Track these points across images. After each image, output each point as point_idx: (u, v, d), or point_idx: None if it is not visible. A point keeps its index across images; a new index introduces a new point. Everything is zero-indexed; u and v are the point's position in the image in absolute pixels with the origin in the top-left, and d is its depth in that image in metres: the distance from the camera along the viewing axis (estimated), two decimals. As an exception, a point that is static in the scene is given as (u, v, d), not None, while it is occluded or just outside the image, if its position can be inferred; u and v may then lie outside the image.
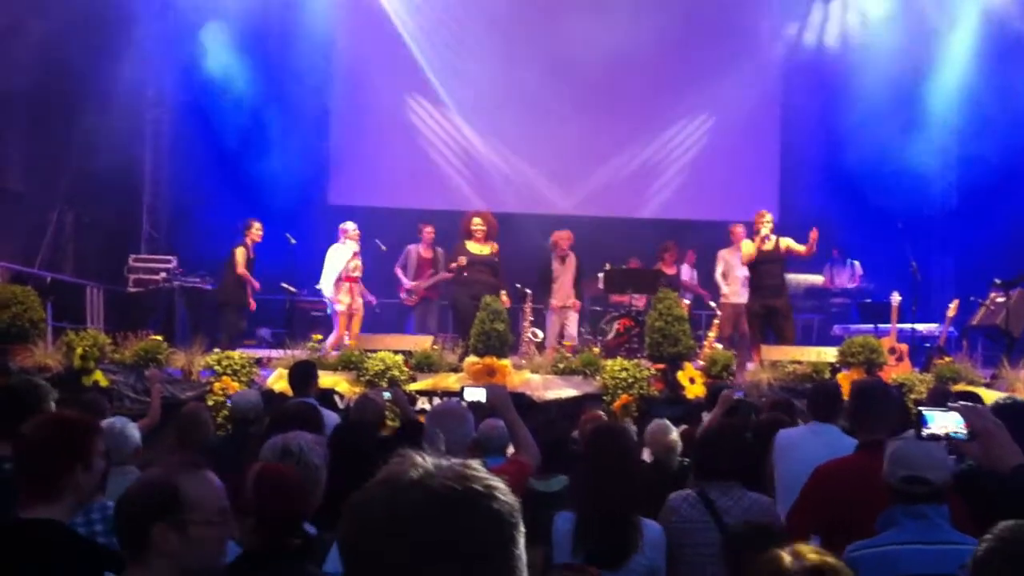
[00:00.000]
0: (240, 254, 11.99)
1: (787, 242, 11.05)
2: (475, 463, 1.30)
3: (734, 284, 12.16)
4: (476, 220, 11.53)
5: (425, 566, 1.20)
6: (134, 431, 4.86)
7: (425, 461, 1.27)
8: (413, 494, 1.23)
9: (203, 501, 2.51)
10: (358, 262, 11.99)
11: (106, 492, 4.03)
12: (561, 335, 11.71)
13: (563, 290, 11.81)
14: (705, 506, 4.27)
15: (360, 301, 12.02)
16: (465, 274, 11.31)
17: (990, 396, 8.52)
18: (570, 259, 11.98)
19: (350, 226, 12.04)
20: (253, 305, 12.24)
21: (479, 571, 1.22)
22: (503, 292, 11.26)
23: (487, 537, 1.23)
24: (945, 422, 2.63)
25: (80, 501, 3.13)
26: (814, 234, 10.83)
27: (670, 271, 12.88)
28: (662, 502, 4.37)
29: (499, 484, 1.28)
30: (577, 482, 4.01)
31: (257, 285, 12.17)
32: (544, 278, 11.92)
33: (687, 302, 11.87)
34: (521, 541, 1.27)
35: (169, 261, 13.71)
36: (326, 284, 11.87)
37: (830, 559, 2.18)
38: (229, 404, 7.46)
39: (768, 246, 10.93)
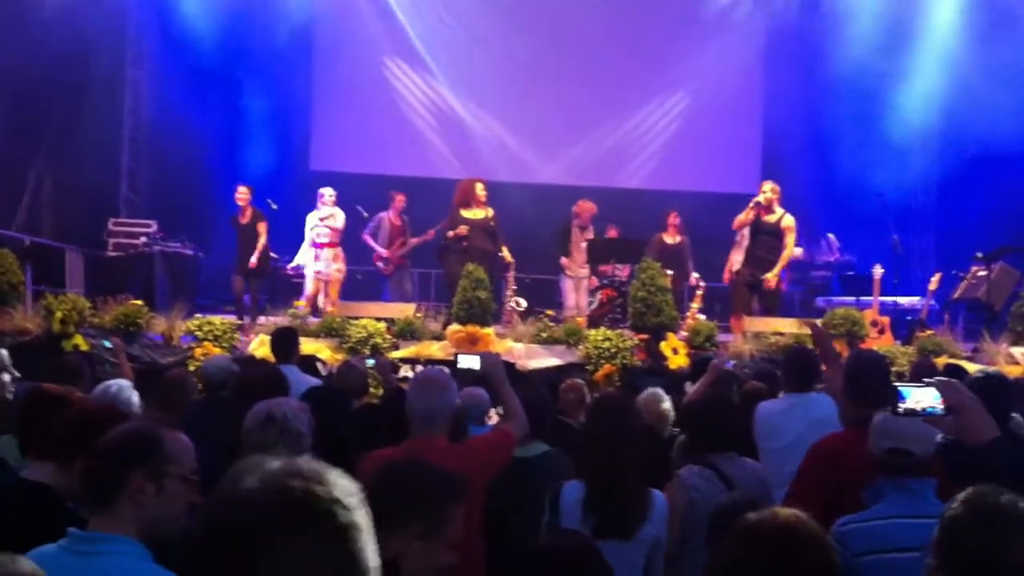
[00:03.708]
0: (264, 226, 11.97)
1: (788, 222, 10.73)
2: (305, 460, 1.34)
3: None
4: (480, 185, 11.45)
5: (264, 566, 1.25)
6: (130, 397, 4.79)
7: (262, 465, 1.31)
8: (251, 499, 1.27)
9: (181, 457, 2.54)
10: (327, 228, 11.85)
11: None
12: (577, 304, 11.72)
13: (579, 260, 11.82)
14: (721, 480, 4.27)
15: (334, 267, 11.85)
16: (465, 243, 11.20)
17: (972, 369, 8.59)
18: (590, 231, 11.98)
19: (325, 191, 11.97)
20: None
21: (325, 564, 1.27)
22: (504, 249, 11.29)
23: (325, 530, 1.27)
24: (921, 397, 2.63)
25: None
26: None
27: (672, 239, 12.81)
28: (652, 471, 4.37)
29: (330, 476, 1.32)
30: (583, 453, 4.00)
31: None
32: (562, 245, 11.91)
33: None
34: (364, 524, 1.31)
35: (149, 225, 13.63)
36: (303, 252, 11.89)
37: (805, 521, 2.22)
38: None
39: (771, 218, 10.73)
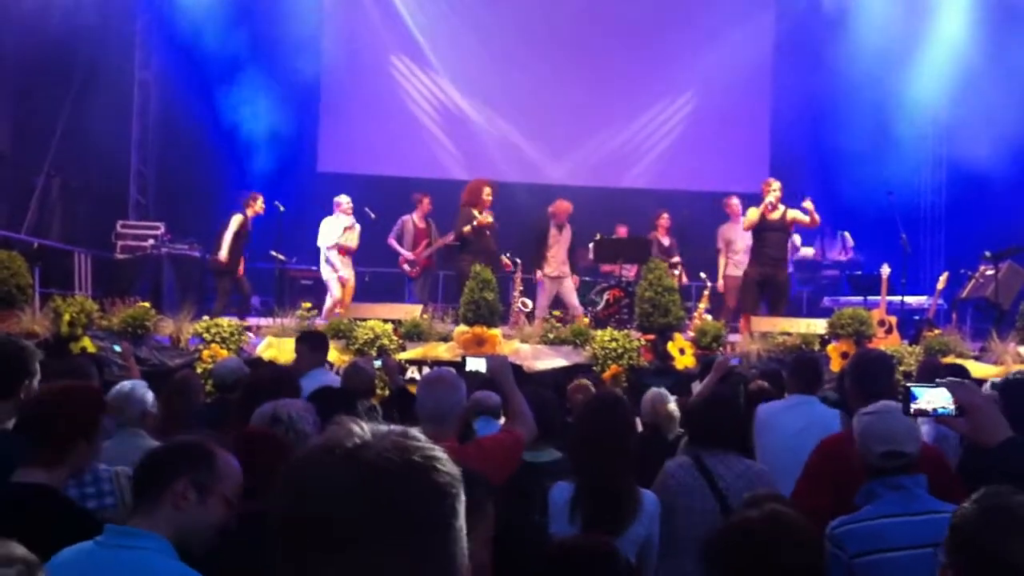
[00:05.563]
0: (236, 222, 11.93)
1: (794, 214, 10.87)
2: (415, 431, 1.25)
3: (736, 255, 12.16)
4: (487, 189, 11.50)
5: (360, 539, 1.15)
6: (144, 395, 4.81)
7: (363, 431, 1.22)
8: (349, 465, 1.18)
9: (229, 477, 2.63)
10: (351, 235, 12.01)
11: (111, 454, 4.02)
12: (552, 305, 11.68)
13: (557, 259, 11.78)
14: (700, 472, 4.28)
15: (351, 272, 12.02)
16: (489, 233, 11.27)
17: (978, 369, 8.59)
18: (567, 229, 11.95)
19: (343, 199, 12.06)
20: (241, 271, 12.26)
21: (418, 543, 1.18)
22: (505, 256, 11.29)
23: (426, 508, 1.19)
24: (933, 398, 2.63)
25: (77, 470, 3.25)
26: (809, 205, 10.85)
27: (664, 240, 12.80)
28: (655, 472, 4.37)
29: (439, 454, 1.23)
30: (574, 452, 4.00)
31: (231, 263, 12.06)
32: (539, 245, 11.88)
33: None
34: (462, 512, 1.23)
35: (157, 228, 13.66)
36: (322, 257, 12.02)
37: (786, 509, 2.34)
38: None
39: (775, 215, 10.81)
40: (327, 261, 11.99)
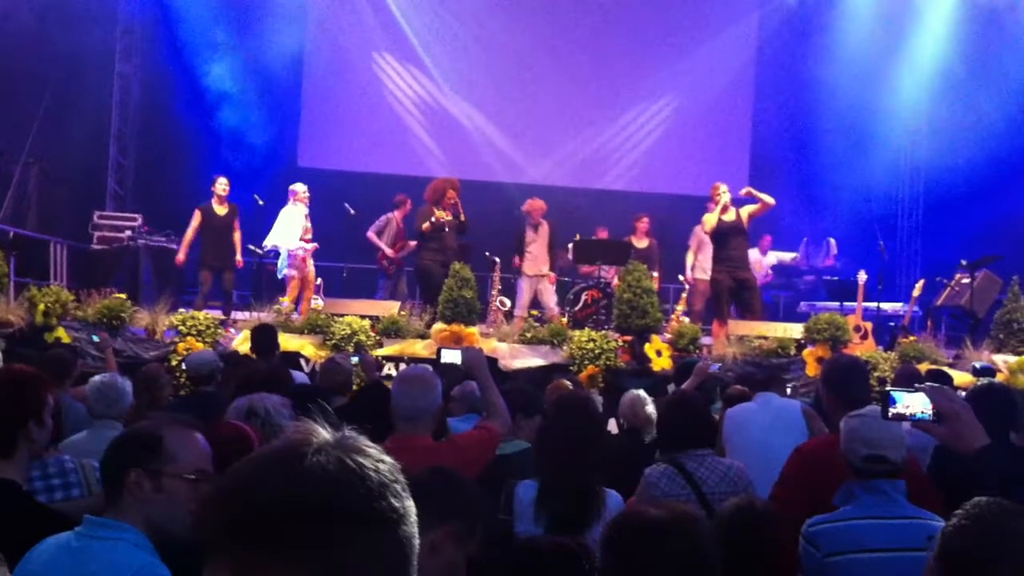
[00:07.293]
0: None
1: (746, 210, 10.92)
2: (362, 437, 1.23)
3: (706, 259, 12.15)
4: (452, 191, 11.41)
5: (297, 543, 1.13)
6: (121, 388, 4.78)
7: (319, 434, 1.21)
8: (296, 468, 1.16)
9: (181, 456, 2.54)
10: (307, 224, 11.70)
11: (85, 446, 3.99)
12: (532, 304, 11.65)
13: (535, 258, 11.71)
14: (683, 478, 4.26)
15: (311, 264, 11.78)
16: (447, 230, 11.23)
17: (959, 376, 8.63)
18: (543, 228, 11.86)
19: (300, 187, 11.83)
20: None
21: (368, 547, 1.15)
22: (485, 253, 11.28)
23: (374, 513, 1.16)
24: (911, 402, 2.63)
25: (34, 457, 3.19)
26: (748, 189, 10.98)
27: (641, 243, 12.81)
28: (633, 473, 4.36)
29: (386, 458, 1.21)
30: (541, 450, 3.99)
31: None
32: (518, 245, 11.84)
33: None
34: (412, 519, 1.21)
35: (135, 219, 13.57)
36: (276, 243, 11.71)
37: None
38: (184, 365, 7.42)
39: (729, 217, 10.84)
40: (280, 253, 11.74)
